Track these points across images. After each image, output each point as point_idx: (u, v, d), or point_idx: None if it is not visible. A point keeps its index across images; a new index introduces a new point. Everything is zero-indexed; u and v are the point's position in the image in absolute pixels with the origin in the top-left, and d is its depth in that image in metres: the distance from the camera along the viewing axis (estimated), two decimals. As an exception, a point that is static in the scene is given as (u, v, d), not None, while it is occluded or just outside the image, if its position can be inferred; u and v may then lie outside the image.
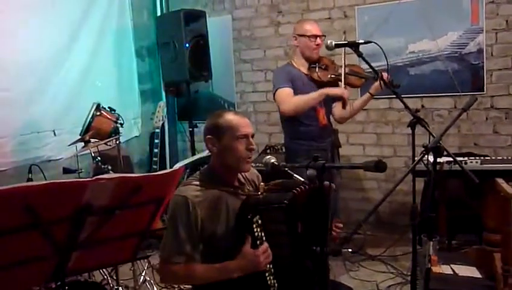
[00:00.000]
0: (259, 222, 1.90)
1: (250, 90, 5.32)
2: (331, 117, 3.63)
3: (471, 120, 4.27)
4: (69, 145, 3.54)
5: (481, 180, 2.13)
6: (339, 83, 3.41)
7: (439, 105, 4.40)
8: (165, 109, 4.19)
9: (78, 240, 1.39)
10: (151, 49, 5.53)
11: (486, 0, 4.09)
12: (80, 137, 3.51)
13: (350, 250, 4.01)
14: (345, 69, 3.36)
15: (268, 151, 4.55)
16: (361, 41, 2.63)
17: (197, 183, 2.00)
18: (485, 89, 4.18)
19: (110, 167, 3.35)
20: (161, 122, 4.00)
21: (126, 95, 5.13)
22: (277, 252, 1.93)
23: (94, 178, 1.31)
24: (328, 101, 3.50)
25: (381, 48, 2.63)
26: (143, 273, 3.40)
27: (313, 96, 3.32)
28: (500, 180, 3.08)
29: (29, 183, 1.24)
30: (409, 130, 2.60)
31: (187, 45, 4.77)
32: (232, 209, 2.00)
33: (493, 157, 3.79)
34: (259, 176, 2.26)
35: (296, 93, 3.36)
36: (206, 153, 2.02)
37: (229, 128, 2.00)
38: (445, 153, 2.21)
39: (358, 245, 4.15)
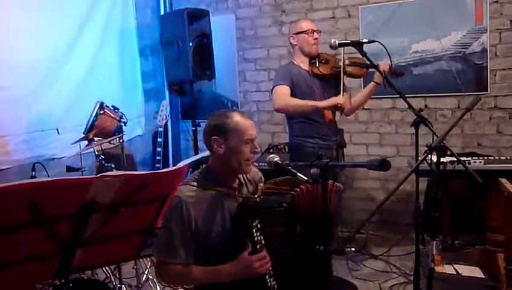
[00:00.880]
0: (259, 226, 1.90)
1: (253, 90, 5.32)
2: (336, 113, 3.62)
3: (474, 120, 4.27)
4: (73, 143, 3.54)
5: (484, 180, 2.13)
6: (341, 75, 3.41)
7: (442, 105, 4.39)
8: (168, 108, 4.19)
9: (82, 237, 1.39)
10: (155, 48, 5.53)
11: (490, 0, 4.08)
12: (83, 135, 3.52)
13: (353, 249, 4.02)
14: (344, 61, 3.36)
15: (271, 150, 4.55)
16: (365, 40, 2.64)
17: (194, 183, 2.00)
18: (488, 89, 4.18)
19: (113, 166, 3.35)
20: (164, 121, 3.99)
21: (129, 94, 5.14)
22: (276, 254, 1.93)
23: (99, 175, 1.31)
24: (333, 95, 3.49)
25: (385, 47, 2.64)
26: (146, 272, 3.41)
27: (306, 105, 3.28)
28: (504, 180, 3.08)
29: (34, 180, 1.24)
30: (412, 130, 2.60)
31: (190, 44, 4.76)
32: (229, 211, 2.00)
33: (496, 158, 3.79)
34: (262, 177, 2.25)
35: (298, 88, 3.36)
36: (208, 152, 2.02)
37: (237, 131, 1.99)
38: (448, 152, 2.21)
39: (361, 244, 4.15)
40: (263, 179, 2.24)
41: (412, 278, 2.97)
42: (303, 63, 3.49)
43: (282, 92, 3.34)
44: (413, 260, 2.67)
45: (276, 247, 1.93)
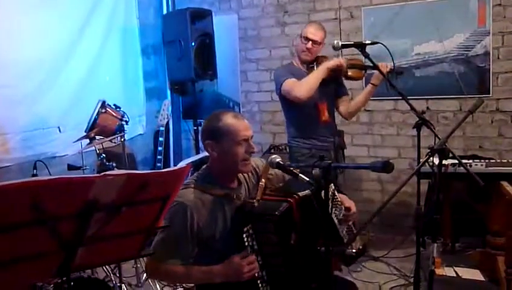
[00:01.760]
0: (251, 231, 1.90)
1: (255, 90, 5.32)
2: (337, 116, 3.62)
3: (476, 123, 4.26)
4: (74, 142, 3.55)
5: (486, 183, 2.13)
6: (340, 77, 3.42)
7: (444, 107, 4.38)
8: (170, 107, 4.20)
9: (84, 236, 1.39)
10: (157, 47, 5.53)
11: (493, 3, 4.08)
12: (85, 134, 3.52)
13: (354, 251, 4.01)
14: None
15: (272, 151, 4.55)
16: (368, 42, 2.64)
17: (195, 186, 1.99)
18: (490, 92, 4.17)
19: (114, 164, 3.36)
20: (166, 121, 4.00)
21: (131, 93, 5.14)
22: (270, 261, 1.92)
23: (102, 174, 1.30)
24: (330, 96, 3.49)
25: (387, 48, 2.65)
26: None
27: (316, 73, 3.30)
28: (505, 183, 3.08)
29: (37, 178, 1.23)
30: (414, 132, 2.60)
31: (193, 44, 4.77)
32: (229, 213, 2.00)
33: (498, 160, 3.79)
34: (259, 165, 2.21)
35: None
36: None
37: (229, 133, 1.98)
38: (450, 155, 2.21)
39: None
40: (263, 164, 2.18)
41: (412, 280, 2.96)
42: (302, 65, 3.50)
43: (294, 82, 3.33)
44: (414, 262, 2.66)
45: (269, 254, 1.92)
